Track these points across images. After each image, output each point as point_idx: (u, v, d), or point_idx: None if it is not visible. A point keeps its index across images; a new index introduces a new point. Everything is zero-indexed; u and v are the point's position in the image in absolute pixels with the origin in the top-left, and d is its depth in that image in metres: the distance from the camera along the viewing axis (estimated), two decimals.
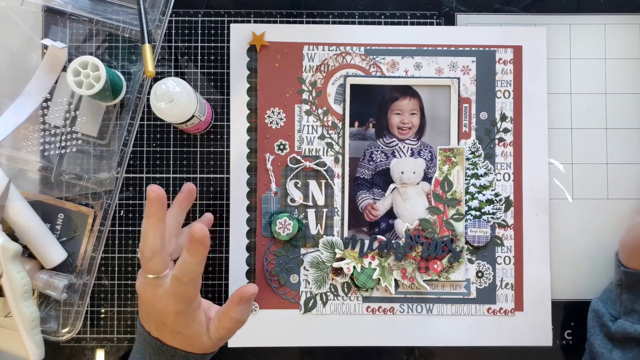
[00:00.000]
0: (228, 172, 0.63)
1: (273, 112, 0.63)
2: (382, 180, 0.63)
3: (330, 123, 0.63)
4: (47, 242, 0.60)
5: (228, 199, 0.63)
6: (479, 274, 0.63)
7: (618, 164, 0.64)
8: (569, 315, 0.63)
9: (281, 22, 0.64)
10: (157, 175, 0.63)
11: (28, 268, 0.59)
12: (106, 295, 0.63)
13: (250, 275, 0.63)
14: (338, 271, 0.62)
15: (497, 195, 0.63)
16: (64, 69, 0.61)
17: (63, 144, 0.62)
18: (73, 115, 0.62)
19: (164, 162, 0.63)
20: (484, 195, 0.63)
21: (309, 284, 0.62)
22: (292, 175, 0.63)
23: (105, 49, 0.63)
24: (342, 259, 0.62)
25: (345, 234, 0.63)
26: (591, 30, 0.64)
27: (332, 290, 0.62)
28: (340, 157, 0.63)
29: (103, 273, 0.63)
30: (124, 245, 0.63)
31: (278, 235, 0.61)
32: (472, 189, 0.63)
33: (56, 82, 0.62)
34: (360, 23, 0.64)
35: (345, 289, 0.62)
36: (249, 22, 0.64)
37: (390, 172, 0.63)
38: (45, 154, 0.62)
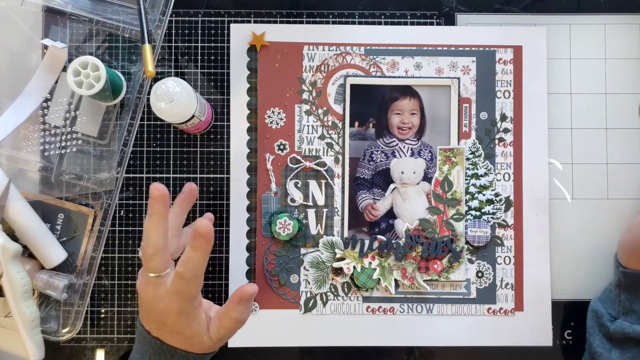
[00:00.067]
0: (228, 172, 0.63)
1: (273, 112, 0.63)
2: (382, 180, 0.63)
3: (330, 123, 0.63)
4: (47, 242, 0.60)
5: (228, 199, 0.63)
6: (479, 274, 0.63)
7: (618, 164, 0.64)
8: (569, 315, 0.63)
9: (281, 22, 0.64)
10: (157, 175, 0.63)
11: (28, 268, 0.59)
12: (106, 295, 0.63)
13: (250, 275, 0.63)
14: (338, 271, 0.62)
15: (497, 195, 0.63)
16: (64, 69, 0.61)
17: (63, 144, 0.62)
18: (73, 115, 0.62)
19: (164, 162, 0.63)
20: (484, 195, 0.63)
21: (309, 284, 0.62)
22: (292, 175, 0.63)
23: (105, 49, 0.63)
24: (342, 259, 0.62)
25: (345, 234, 0.63)
26: (591, 30, 0.64)
27: (332, 290, 0.62)
28: (340, 157, 0.63)
29: (103, 273, 0.63)
30: (124, 245, 0.63)
31: (278, 235, 0.61)
32: (472, 189, 0.63)
33: (56, 82, 0.62)
34: (360, 23, 0.64)
35: (345, 289, 0.62)
36: (249, 22, 0.64)
37: (390, 172, 0.63)
38: (45, 154, 0.62)
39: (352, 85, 0.63)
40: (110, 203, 0.61)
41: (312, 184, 0.63)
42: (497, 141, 0.63)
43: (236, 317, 0.53)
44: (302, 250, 0.63)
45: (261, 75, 0.63)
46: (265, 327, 0.62)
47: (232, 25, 0.63)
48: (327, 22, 0.64)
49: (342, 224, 0.63)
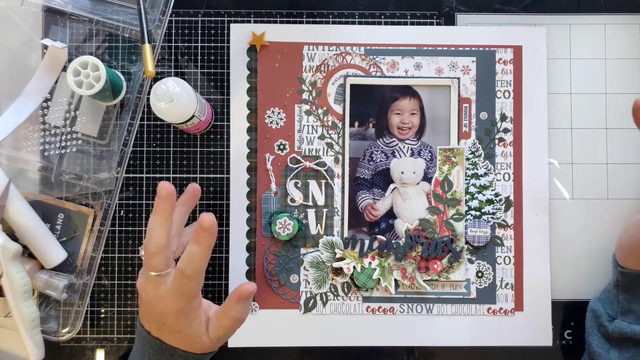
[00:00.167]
0: (228, 172, 0.63)
1: (273, 112, 0.63)
2: (382, 180, 0.63)
3: (330, 123, 0.63)
4: (47, 242, 0.60)
5: (228, 199, 0.63)
6: (479, 274, 0.63)
7: (618, 164, 0.64)
8: (569, 315, 0.63)
9: (281, 22, 0.64)
10: (157, 175, 0.63)
11: (28, 268, 0.59)
12: (106, 295, 0.63)
13: (250, 275, 0.63)
14: (338, 271, 0.62)
15: (497, 195, 0.63)
16: (64, 69, 0.61)
17: (63, 144, 0.62)
18: (73, 115, 0.62)
19: (164, 162, 0.63)
20: (484, 195, 0.63)
21: (309, 284, 0.62)
22: (292, 175, 0.63)
23: (105, 49, 0.63)
24: (342, 259, 0.62)
25: (345, 234, 0.63)
26: (591, 30, 0.64)
27: (332, 290, 0.62)
28: (340, 157, 0.63)
29: (103, 273, 0.63)
30: (124, 245, 0.63)
31: (278, 235, 0.61)
32: (472, 189, 0.63)
33: (56, 82, 0.62)
34: (360, 23, 0.64)
35: (345, 289, 0.62)
36: (249, 22, 0.64)
37: (390, 172, 0.63)
38: (45, 154, 0.62)
39: (352, 85, 0.63)
40: (110, 203, 0.61)
41: (312, 184, 0.63)
42: (497, 141, 0.63)
43: (235, 316, 0.53)
44: (302, 250, 0.63)
45: (261, 75, 0.63)
46: (265, 327, 0.62)
47: (232, 25, 0.63)
48: (327, 22, 0.64)
49: (342, 224, 0.63)
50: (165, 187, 0.50)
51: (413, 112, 0.63)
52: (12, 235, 0.59)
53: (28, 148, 0.62)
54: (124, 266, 0.63)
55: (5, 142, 0.61)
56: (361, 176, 0.63)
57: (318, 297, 0.62)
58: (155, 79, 0.62)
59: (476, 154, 0.63)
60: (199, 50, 0.64)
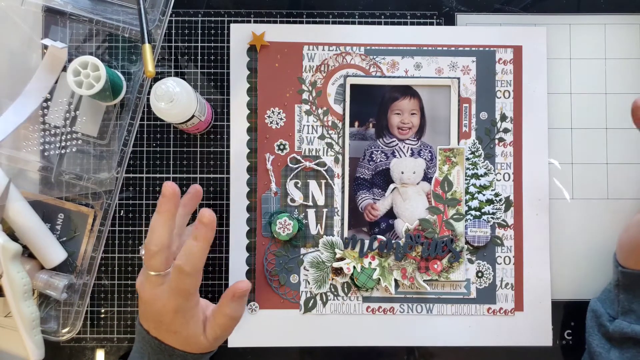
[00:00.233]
0: (228, 172, 0.63)
1: (273, 112, 0.63)
2: (382, 180, 0.63)
3: (330, 123, 0.63)
4: (47, 242, 0.60)
5: (228, 199, 0.63)
6: (479, 274, 0.63)
7: (618, 164, 0.64)
8: (569, 315, 0.63)
9: (281, 22, 0.64)
10: (157, 175, 0.63)
11: (28, 268, 0.59)
12: (106, 295, 0.63)
13: (250, 275, 0.63)
14: (338, 271, 0.62)
15: (497, 195, 0.63)
16: (64, 69, 0.61)
17: (63, 144, 0.62)
18: (73, 115, 0.62)
19: (164, 162, 0.63)
20: (484, 195, 0.63)
21: (309, 284, 0.62)
22: (292, 175, 0.63)
23: (105, 49, 0.63)
24: (342, 259, 0.62)
25: (345, 234, 0.63)
26: (591, 30, 0.64)
27: (332, 290, 0.62)
28: (340, 157, 0.63)
29: (103, 273, 0.63)
30: (124, 245, 0.63)
31: (278, 235, 0.61)
32: (472, 189, 0.63)
33: (56, 82, 0.62)
34: (360, 23, 0.64)
35: (345, 289, 0.62)
36: (249, 22, 0.64)
37: (390, 172, 0.63)
38: (45, 154, 0.62)
39: (352, 85, 0.63)
40: (110, 203, 0.61)
41: (312, 184, 0.63)
42: (497, 141, 0.63)
43: (230, 314, 0.53)
44: (302, 250, 0.63)
45: (261, 75, 0.63)
46: (265, 327, 0.62)
47: (232, 25, 0.63)
48: (327, 22, 0.64)
49: (342, 224, 0.63)
50: (170, 187, 0.51)
51: (413, 112, 0.63)
52: (12, 235, 0.59)
53: (28, 148, 0.62)
54: (124, 266, 0.63)
55: (5, 142, 0.61)
56: (361, 176, 0.63)
57: (318, 297, 0.62)
58: (155, 79, 0.62)
59: (476, 154, 0.63)
60: (199, 50, 0.64)
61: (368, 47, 0.63)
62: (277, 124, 0.63)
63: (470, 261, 0.63)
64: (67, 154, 0.62)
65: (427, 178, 0.63)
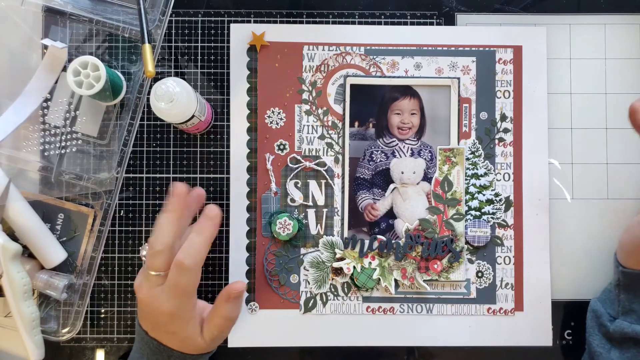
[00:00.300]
0: (228, 172, 0.63)
1: (273, 112, 0.63)
2: (382, 180, 0.63)
3: (330, 123, 0.63)
4: (47, 242, 0.60)
5: (228, 199, 0.63)
6: (479, 274, 0.63)
7: (618, 164, 0.64)
8: (569, 315, 0.63)
9: (281, 22, 0.64)
10: (157, 175, 0.63)
11: (28, 268, 0.59)
12: (106, 295, 0.63)
13: (250, 275, 0.63)
14: (338, 271, 0.62)
15: (497, 195, 0.63)
16: (64, 69, 0.61)
17: (63, 144, 0.62)
18: (73, 115, 0.62)
19: (164, 162, 0.63)
20: (484, 195, 0.63)
21: (309, 284, 0.62)
22: (292, 175, 0.63)
23: (105, 49, 0.63)
24: (342, 259, 0.62)
25: (345, 234, 0.63)
26: (591, 30, 0.64)
27: (332, 290, 0.62)
28: (340, 157, 0.63)
29: (103, 273, 0.63)
30: (124, 245, 0.63)
31: (278, 235, 0.61)
32: (472, 189, 0.63)
33: (56, 82, 0.62)
34: (360, 23, 0.64)
35: (345, 289, 0.62)
36: (249, 22, 0.64)
37: (390, 172, 0.63)
38: (45, 154, 0.62)
39: (352, 85, 0.63)
40: (110, 203, 0.61)
41: (312, 184, 0.63)
42: (497, 141, 0.63)
43: (225, 315, 0.53)
44: (302, 250, 0.63)
45: (261, 75, 0.63)
46: (265, 327, 0.62)
47: (232, 25, 0.63)
48: (327, 22, 0.64)
49: (342, 224, 0.63)
50: (180, 187, 0.52)
51: (413, 112, 0.63)
52: (12, 235, 0.59)
53: (28, 148, 0.62)
54: (124, 266, 0.63)
55: (5, 142, 0.61)
56: (361, 176, 0.63)
57: (318, 297, 0.62)
58: (155, 79, 0.62)
59: (476, 154, 0.63)
60: (199, 50, 0.64)
61: (368, 47, 0.63)
62: (277, 124, 0.63)
63: (470, 261, 0.63)
64: (67, 154, 0.62)
65: (427, 178, 0.63)
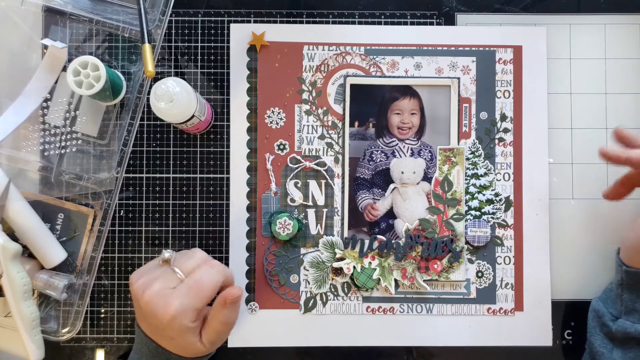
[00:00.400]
0: (228, 172, 0.63)
1: (273, 112, 0.63)
2: (382, 180, 0.63)
3: (330, 123, 0.63)
4: (47, 242, 0.60)
5: (228, 199, 0.63)
6: (479, 274, 0.63)
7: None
8: (569, 315, 0.63)
9: (281, 22, 0.64)
10: (157, 175, 0.63)
11: (28, 268, 0.59)
12: (106, 295, 0.63)
13: (250, 275, 0.63)
14: (338, 271, 0.62)
15: (497, 195, 0.63)
16: (64, 69, 0.61)
17: (63, 144, 0.62)
18: (73, 115, 0.62)
19: (164, 162, 0.63)
20: (484, 195, 0.63)
21: (309, 284, 0.62)
22: (292, 175, 0.63)
23: (105, 49, 0.63)
24: (342, 259, 0.62)
25: (345, 234, 0.63)
26: (591, 30, 0.64)
27: (332, 290, 0.62)
28: (340, 157, 0.63)
29: (103, 273, 0.63)
30: (124, 245, 0.63)
31: (278, 235, 0.61)
32: (472, 189, 0.63)
33: (56, 82, 0.62)
34: (360, 23, 0.64)
35: (345, 289, 0.62)
36: (249, 22, 0.64)
37: (390, 172, 0.63)
38: (45, 154, 0.62)
39: (352, 85, 0.63)
40: (110, 203, 0.61)
41: (312, 184, 0.63)
42: (497, 141, 0.63)
43: (223, 320, 0.53)
44: (302, 250, 0.63)
45: (261, 75, 0.63)
46: (265, 327, 0.62)
47: (232, 25, 0.63)
48: (327, 22, 0.64)
49: (342, 224, 0.63)
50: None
51: (413, 112, 0.63)
52: (12, 235, 0.59)
53: (28, 148, 0.62)
54: (124, 266, 0.63)
55: (5, 142, 0.61)
56: (361, 176, 0.63)
57: (318, 297, 0.62)
58: (155, 79, 0.62)
59: (476, 154, 0.63)
60: (199, 50, 0.64)
61: (368, 47, 0.63)
62: (277, 124, 0.63)
63: (470, 261, 0.63)
64: (67, 154, 0.62)
65: (427, 178, 0.63)
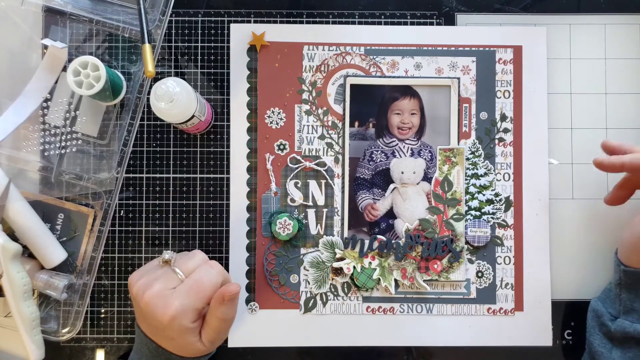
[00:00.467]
0: (228, 172, 0.63)
1: (273, 112, 0.63)
2: (382, 180, 0.63)
3: (330, 123, 0.63)
4: (47, 242, 0.60)
5: (228, 199, 0.63)
6: (479, 274, 0.63)
7: None
8: (569, 315, 0.63)
9: (281, 22, 0.64)
10: (157, 175, 0.63)
11: (28, 268, 0.59)
12: (106, 295, 0.63)
13: (250, 275, 0.63)
14: (338, 271, 0.62)
15: (497, 195, 0.63)
16: (64, 69, 0.61)
17: (63, 144, 0.62)
18: (73, 115, 0.62)
19: (164, 162, 0.63)
20: (484, 195, 0.63)
21: (309, 284, 0.62)
22: (292, 175, 0.63)
23: (105, 49, 0.63)
24: (342, 259, 0.62)
25: (345, 234, 0.63)
26: (591, 30, 0.64)
27: (332, 290, 0.62)
28: (340, 157, 0.63)
29: (103, 273, 0.63)
30: (124, 245, 0.63)
31: (278, 235, 0.61)
32: (472, 189, 0.63)
33: (56, 82, 0.62)
34: (360, 23, 0.64)
35: (345, 289, 0.62)
36: (249, 22, 0.64)
37: (390, 172, 0.63)
38: (45, 154, 0.62)
39: (352, 85, 0.63)
40: (110, 203, 0.61)
41: (312, 184, 0.63)
42: (497, 141, 0.63)
43: (221, 317, 0.53)
44: (302, 250, 0.63)
45: (261, 75, 0.63)
46: (265, 327, 0.62)
47: (232, 25, 0.63)
48: (327, 22, 0.64)
49: (342, 224, 0.63)
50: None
51: (413, 112, 0.63)
52: (12, 235, 0.59)
53: (28, 148, 0.62)
54: (124, 266, 0.63)
55: (5, 142, 0.61)
56: (361, 176, 0.63)
57: (318, 297, 0.62)
58: (155, 79, 0.62)
59: (476, 154, 0.63)
60: (199, 50, 0.64)
61: (368, 47, 0.63)
62: (277, 124, 0.63)
63: (470, 261, 0.63)
64: (67, 154, 0.62)
65: (427, 178, 0.63)
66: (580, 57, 0.64)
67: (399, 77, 0.63)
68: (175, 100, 0.53)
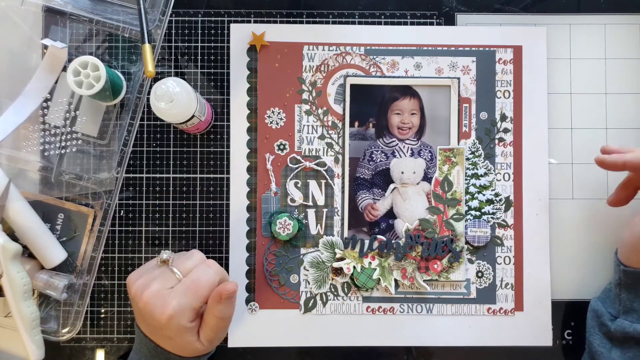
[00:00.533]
0: (228, 172, 0.63)
1: (273, 112, 0.63)
2: (382, 180, 0.63)
3: (330, 123, 0.63)
4: (47, 242, 0.60)
5: (228, 199, 0.63)
6: (479, 274, 0.63)
7: None
8: (569, 315, 0.63)
9: (281, 22, 0.64)
10: (157, 175, 0.63)
11: (28, 268, 0.59)
12: (106, 295, 0.63)
13: (250, 275, 0.63)
14: (338, 271, 0.62)
15: (497, 195, 0.63)
16: (64, 69, 0.61)
17: (63, 144, 0.62)
18: (73, 115, 0.62)
19: (164, 162, 0.63)
20: (484, 195, 0.63)
21: (309, 284, 0.62)
22: (292, 175, 0.63)
23: (105, 49, 0.63)
24: (342, 259, 0.62)
25: (345, 234, 0.63)
26: (591, 30, 0.64)
27: (332, 290, 0.62)
28: (340, 157, 0.63)
29: (103, 273, 0.63)
30: (124, 245, 0.63)
31: (278, 235, 0.61)
32: (472, 189, 0.63)
33: (56, 82, 0.62)
34: (360, 23, 0.64)
35: (345, 289, 0.62)
36: (249, 22, 0.64)
37: (390, 172, 0.63)
38: (45, 154, 0.62)
39: (352, 85, 0.63)
40: (110, 203, 0.61)
41: (312, 184, 0.63)
42: (497, 141, 0.63)
43: (219, 316, 0.53)
44: (302, 250, 0.63)
45: (261, 75, 0.63)
46: (265, 327, 0.62)
47: (232, 25, 0.63)
48: (327, 22, 0.64)
49: (342, 224, 0.63)
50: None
51: (413, 112, 0.63)
52: (12, 235, 0.59)
53: (28, 148, 0.62)
54: (124, 266, 0.63)
55: (5, 142, 0.61)
56: (361, 176, 0.63)
57: (318, 297, 0.62)
58: (155, 79, 0.62)
59: (476, 154, 0.63)
60: (199, 50, 0.64)
61: (368, 47, 0.63)
62: (277, 124, 0.63)
63: (470, 261, 0.63)
64: (67, 154, 0.62)
65: (427, 178, 0.63)
66: (580, 57, 0.64)
67: (399, 77, 0.63)
68: (175, 100, 0.53)
